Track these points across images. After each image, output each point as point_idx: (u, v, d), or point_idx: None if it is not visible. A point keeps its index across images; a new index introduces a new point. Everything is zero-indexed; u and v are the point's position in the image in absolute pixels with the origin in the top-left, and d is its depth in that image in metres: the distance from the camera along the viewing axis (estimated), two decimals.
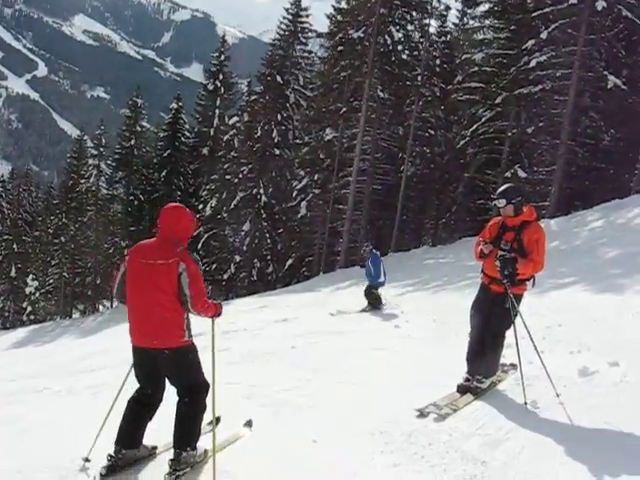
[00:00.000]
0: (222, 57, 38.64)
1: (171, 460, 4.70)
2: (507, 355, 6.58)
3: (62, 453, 5.50)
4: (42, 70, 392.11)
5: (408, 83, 29.17)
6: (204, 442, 4.99)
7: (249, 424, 5.71)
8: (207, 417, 5.02)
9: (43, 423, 7.04)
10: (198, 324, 5.06)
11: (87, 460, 5.06)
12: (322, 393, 6.71)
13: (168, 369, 4.85)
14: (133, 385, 5.12)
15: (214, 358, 4.99)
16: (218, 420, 5.38)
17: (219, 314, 5.00)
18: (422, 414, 5.57)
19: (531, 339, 5.94)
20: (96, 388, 8.64)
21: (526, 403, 5.67)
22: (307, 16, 34.46)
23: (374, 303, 14.50)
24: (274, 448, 5.19)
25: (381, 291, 14.51)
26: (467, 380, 6.17)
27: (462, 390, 6.10)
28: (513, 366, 6.66)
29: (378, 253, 15.03)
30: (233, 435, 5.48)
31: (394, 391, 6.48)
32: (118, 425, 4.90)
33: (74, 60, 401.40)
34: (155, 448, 5.17)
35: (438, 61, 30.36)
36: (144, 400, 4.98)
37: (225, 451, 5.19)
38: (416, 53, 29.97)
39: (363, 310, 14.38)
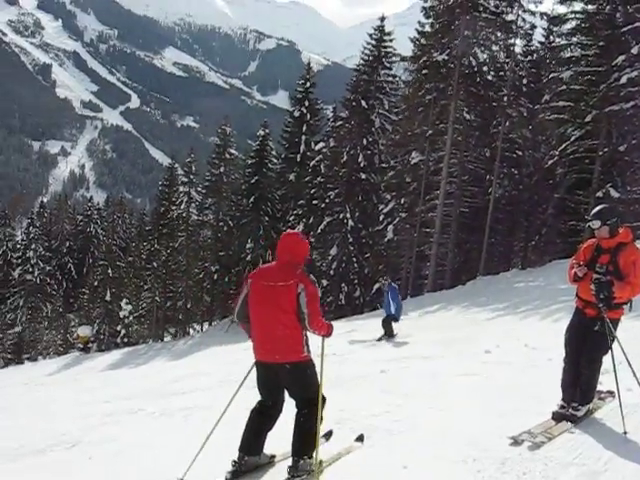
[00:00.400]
0: (307, 84, 39.13)
1: (289, 467, 5.13)
2: (604, 382, 6.39)
3: (156, 475, 5.67)
4: (135, 102, 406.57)
5: (494, 104, 28.85)
6: (320, 453, 5.17)
7: (361, 439, 5.96)
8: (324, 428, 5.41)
9: (138, 444, 7.25)
10: None
11: None
12: (412, 419, 6.66)
13: (288, 382, 5.24)
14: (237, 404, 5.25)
15: (322, 374, 5.36)
16: (330, 434, 5.95)
17: (330, 334, 5.39)
18: (516, 442, 5.46)
19: (629, 365, 5.76)
20: (188, 410, 8.84)
21: (625, 432, 5.49)
22: (391, 40, 34.57)
23: (388, 333, 15.07)
24: (364, 472, 5.20)
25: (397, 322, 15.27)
26: (562, 407, 6.02)
27: (557, 418, 5.95)
28: (610, 393, 6.47)
29: (396, 287, 15.88)
30: (345, 449, 5.76)
31: (486, 418, 6.38)
32: (241, 434, 5.36)
33: (165, 91, 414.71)
34: (274, 457, 5.60)
35: (524, 81, 29.89)
36: (265, 411, 5.41)
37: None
38: (502, 73, 29.60)
39: (379, 339, 14.83)
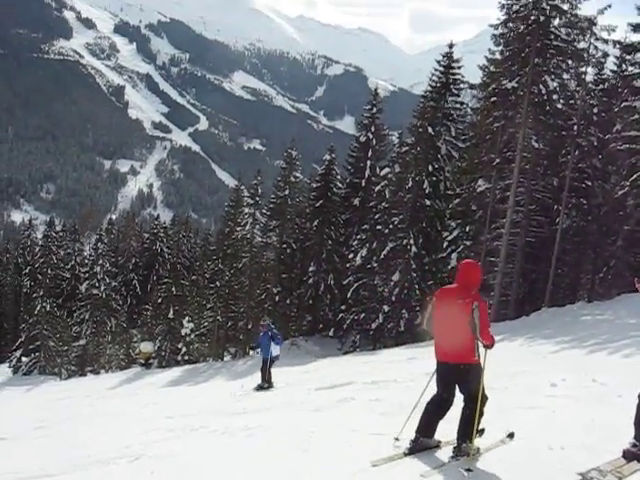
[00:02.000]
0: (374, 109, 39.25)
1: (454, 448, 6.38)
2: None
3: None
4: (203, 124, 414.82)
5: (564, 133, 28.39)
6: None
7: (511, 436, 6.80)
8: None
9: (199, 461, 7.33)
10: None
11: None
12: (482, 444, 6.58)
13: (461, 379, 6.48)
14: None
15: (483, 377, 6.44)
16: (483, 431, 6.82)
17: (493, 344, 6.42)
18: (584, 479, 5.32)
19: None
20: (251, 430, 8.89)
21: None
22: (459, 67, 34.42)
23: (267, 379, 16.22)
24: None
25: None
26: (634, 446, 5.81)
27: (628, 457, 5.74)
28: None
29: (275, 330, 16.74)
30: (500, 440, 6.76)
31: (552, 453, 6.24)
32: (419, 418, 6.65)
33: (233, 114, 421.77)
34: (440, 442, 6.79)
35: (595, 109, 29.29)
36: (440, 402, 6.64)
37: None
38: (572, 102, 29.12)
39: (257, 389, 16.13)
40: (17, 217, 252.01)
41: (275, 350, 16.51)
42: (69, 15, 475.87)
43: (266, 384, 16.08)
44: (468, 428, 6.28)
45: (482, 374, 6.40)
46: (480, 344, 6.34)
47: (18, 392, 40.71)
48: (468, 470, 5.85)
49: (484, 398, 6.41)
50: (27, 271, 64.45)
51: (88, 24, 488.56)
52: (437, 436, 6.75)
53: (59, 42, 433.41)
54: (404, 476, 5.94)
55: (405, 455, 6.44)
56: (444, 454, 6.48)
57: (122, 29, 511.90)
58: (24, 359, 50.61)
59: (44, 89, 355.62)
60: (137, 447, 8.61)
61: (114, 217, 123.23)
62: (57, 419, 14.95)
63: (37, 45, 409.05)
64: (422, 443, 6.59)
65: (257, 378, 23.81)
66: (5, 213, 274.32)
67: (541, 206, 29.70)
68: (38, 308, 49.94)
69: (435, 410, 6.65)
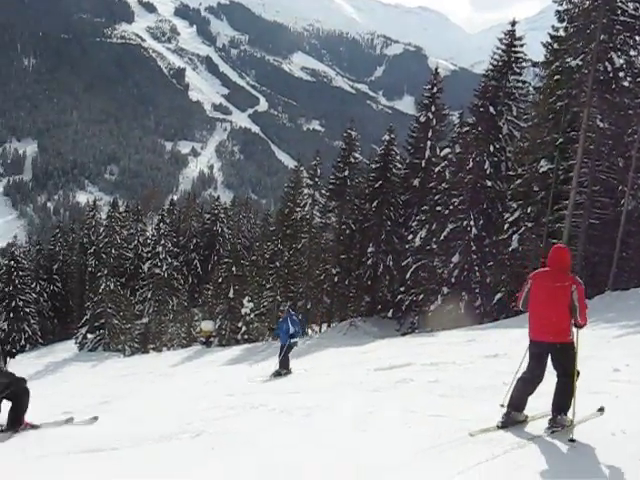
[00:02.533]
0: (434, 89, 38.79)
1: (550, 420, 6.72)
2: None
3: (274, 469, 5.80)
4: (263, 105, 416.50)
5: (630, 112, 27.57)
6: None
7: (602, 409, 7.07)
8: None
9: (258, 439, 7.43)
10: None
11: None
12: (539, 432, 6.51)
13: (556, 357, 6.80)
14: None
15: (577, 354, 6.79)
16: (603, 409, 7.10)
17: (586, 324, 6.86)
18: None
19: None
20: (309, 409, 8.97)
21: None
22: (521, 45, 33.65)
23: (284, 365, 15.97)
24: None
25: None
26: None
27: None
28: None
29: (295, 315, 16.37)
30: (591, 414, 7.00)
31: (614, 439, 6.14)
32: (510, 394, 7.02)
33: (292, 95, 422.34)
34: (527, 417, 7.10)
35: None
36: (532, 379, 6.93)
37: None
38: (639, 80, 28.31)
39: (275, 374, 15.79)
40: (82, 198, 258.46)
41: (294, 337, 16.33)
42: None
43: (284, 370, 15.98)
44: (564, 401, 6.69)
45: (576, 352, 6.80)
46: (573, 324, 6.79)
47: (84, 368, 41.91)
48: (571, 441, 6.15)
49: (577, 374, 6.75)
50: (92, 251, 65.95)
51: (149, 8, 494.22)
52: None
53: (121, 26, 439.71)
54: (500, 448, 6.01)
55: (498, 428, 6.77)
56: (534, 427, 6.80)
57: (182, 12, 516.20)
58: (89, 336, 51.97)
59: (107, 73, 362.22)
60: (198, 424, 8.77)
61: (175, 198, 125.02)
62: (120, 395, 15.34)
63: (100, 30, 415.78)
64: (513, 417, 6.95)
65: (315, 358, 24.02)
66: (71, 194, 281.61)
67: (605, 187, 28.91)
68: (102, 287, 51.14)
69: (526, 386, 6.98)
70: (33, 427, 9.64)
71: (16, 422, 9.45)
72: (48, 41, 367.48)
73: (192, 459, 6.82)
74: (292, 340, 16.26)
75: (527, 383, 6.99)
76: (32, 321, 60.12)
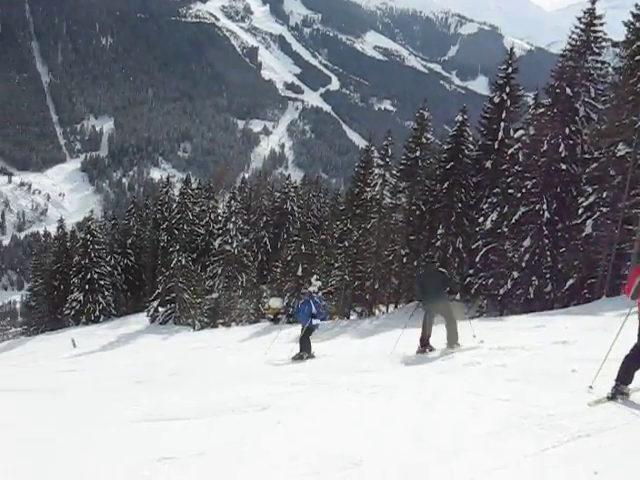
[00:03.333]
0: (509, 69, 37.94)
1: None
2: None
3: (339, 446, 5.88)
4: (335, 84, 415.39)
5: None
6: None
7: None
8: None
9: (324, 415, 7.54)
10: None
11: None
12: (606, 422, 6.41)
13: None
14: None
15: None
16: None
17: None
18: None
19: None
20: (375, 388, 9.03)
21: None
22: (601, 24, 32.51)
23: (306, 349, 15.82)
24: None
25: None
26: None
27: None
28: None
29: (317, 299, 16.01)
30: None
31: None
32: (619, 367, 7.45)
33: (364, 74, 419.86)
34: (630, 389, 7.50)
35: None
36: (637, 355, 7.34)
37: None
38: None
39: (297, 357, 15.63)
40: (156, 175, 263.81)
41: (315, 319, 15.98)
42: None
43: (305, 354, 15.76)
44: None
45: None
46: None
47: (154, 340, 43.01)
48: None
49: None
50: (164, 226, 67.22)
51: None
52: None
53: (196, 5, 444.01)
54: (566, 435, 5.96)
55: (608, 399, 7.22)
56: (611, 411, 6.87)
57: None
58: (161, 309, 53.19)
59: (182, 51, 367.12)
60: (265, 398, 8.94)
61: (247, 176, 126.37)
62: (190, 367, 15.69)
63: (175, 9, 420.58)
64: (620, 389, 7.38)
65: (383, 338, 24.06)
66: (145, 170, 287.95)
67: None
68: (174, 262, 52.17)
69: (631, 361, 7.40)
70: None
71: None
72: (125, 20, 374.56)
73: (258, 432, 6.97)
74: (313, 322, 15.91)
75: (632, 359, 7.40)
76: (106, 293, 61.89)
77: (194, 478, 5.47)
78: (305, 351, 15.78)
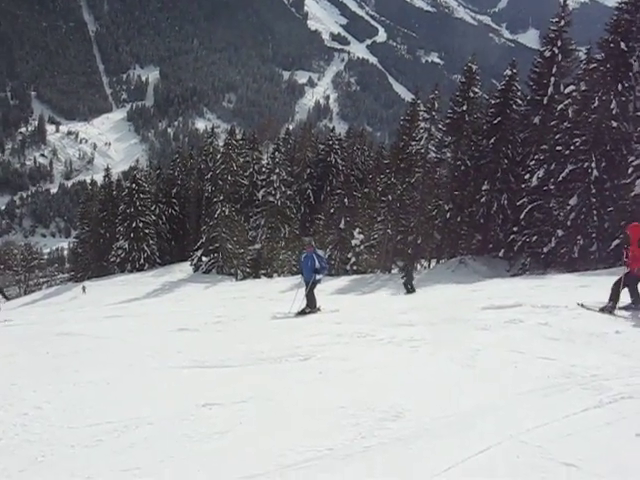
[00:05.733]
0: (561, 22, 36.91)
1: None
2: None
3: (381, 397, 5.97)
4: (382, 36, 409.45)
5: None
6: None
7: None
8: None
9: (366, 366, 7.63)
10: None
11: None
12: None
13: None
14: None
15: None
16: None
17: None
18: None
19: None
20: (416, 342, 9.11)
21: None
22: None
23: (312, 305, 15.63)
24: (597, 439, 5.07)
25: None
26: None
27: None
28: None
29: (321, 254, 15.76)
30: None
31: None
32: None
33: (412, 26, 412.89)
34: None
35: None
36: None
37: None
38: None
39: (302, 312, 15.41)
40: (201, 125, 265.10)
41: (319, 274, 15.80)
42: None
43: (308, 309, 15.57)
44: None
45: None
46: None
47: (198, 289, 43.65)
48: None
49: None
50: (209, 177, 67.57)
51: None
52: None
53: None
54: (608, 395, 5.95)
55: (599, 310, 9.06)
56: None
57: None
58: (204, 259, 53.88)
59: (227, 1, 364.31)
60: (307, 348, 9.06)
61: (291, 127, 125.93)
62: (233, 316, 15.90)
63: None
64: (609, 306, 9.66)
65: (424, 293, 24.11)
66: (190, 121, 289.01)
67: None
68: (218, 212, 52.57)
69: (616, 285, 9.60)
70: None
71: None
72: None
73: (301, 381, 7.09)
74: (317, 276, 15.77)
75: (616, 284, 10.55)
76: (151, 242, 62.81)
77: (238, 423, 5.61)
78: (311, 306, 15.73)
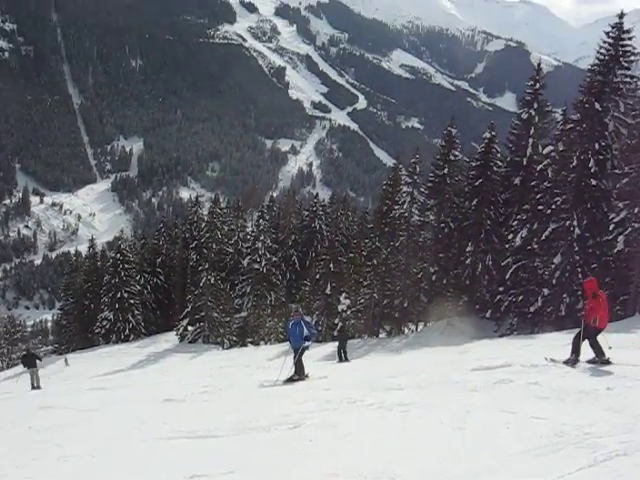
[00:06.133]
0: (537, 85, 37.69)
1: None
2: None
3: (373, 462, 5.85)
4: (362, 103, 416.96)
5: None
6: None
7: None
8: None
9: (356, 432, 7.52)
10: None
11: None
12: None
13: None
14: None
15: None
16: None
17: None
18: None
19: None
20: (406, 406, 9.00)
21: None
22: (630, 39, 32.21)
23: (300, 372, 15.44)
24: None
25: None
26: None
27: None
28: None
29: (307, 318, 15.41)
30: None
31: None
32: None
33: (391, 93, 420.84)
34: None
35: None
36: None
37: None
38: None
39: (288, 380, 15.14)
40: (185, 194, 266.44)
41: (308, 339, 15.72)
42: (233, 0, 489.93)
43: (297, 376, 15.48)
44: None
45: None
46: None
47: (183, 359, 43.16)
48: None
49: None
50: (193, 245, 67.54)
51: (250, 8, 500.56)
52: None
53: (223, 27, 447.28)
54: (603, 454, 5.81)
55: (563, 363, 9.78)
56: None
57: (283, 11, 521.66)
58: (190, 328, 53.40)
59: (210, 72, 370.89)
60: (296, 416, 8.93)
61: (275, 195, 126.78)
62: (219, 385, 15.70)
63: (203, 31, 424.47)
64: (572, 359, 10.95)
65: (412, 357, 23.93)
66: (174, 190, 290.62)
67: None
68: (203, 280, 52.36)
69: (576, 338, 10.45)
70: None
71: None
72: (154, 43, 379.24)
73: (292, 449, 6.95)
74: (306, 343, 15.75)
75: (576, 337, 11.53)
76: (136, 312, 62.21)
77: None
78: (299, 373, 15.56)
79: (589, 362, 11.61)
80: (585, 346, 11.63)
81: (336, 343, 33.05)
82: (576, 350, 11.89)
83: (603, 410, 7.70)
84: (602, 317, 11.89)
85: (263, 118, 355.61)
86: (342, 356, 24.35)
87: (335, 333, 33.56)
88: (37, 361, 27.66)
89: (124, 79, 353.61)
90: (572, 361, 11.66)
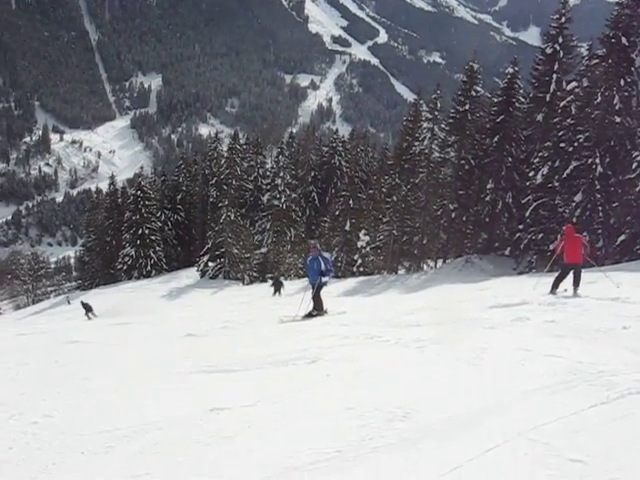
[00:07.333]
0: (562, 19, 36.85)
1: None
2: None
3: (388, 398, 5.98)
4: (383, 37, 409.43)
5: None
6: None
7: None
8: None
9: (373, 368, 7.64)
10: None
11: None
12: None
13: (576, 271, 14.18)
14: None
15: None
16: None
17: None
18: None
19: None
20: (423, 342, 9.11)
21: None
22: None
23: (318, 307, 15.52)
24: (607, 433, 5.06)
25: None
26: None
27: None
28: None
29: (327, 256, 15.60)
30: None
31: None
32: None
33: (413, 27, 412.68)
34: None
35: None
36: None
37: None
38: None
39: (307, 316, 15.34)
40: (204, 130, 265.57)
41: (325, 277, 15.54)
42: None
43: (315, 311, 15.47)
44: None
45: None
46: None
47: (204, 294, 43.71)
48: None
49: None
50: (213, 182, 67.68)
51: None
52: None
53: None
54: (616, 391, 5.90)
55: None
56: None
57: None
58: (210, 264, 53.93)
59: (228, 6, 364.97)
60: (314, 351, 9.07)
61: (294, 131, 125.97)
62: (240, 320, 15.92)
63: None
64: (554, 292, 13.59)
65: (430, 293, 24.08)
66: (193, 127, 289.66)
67: None
68: (223, 217, 52.63)
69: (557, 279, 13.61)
70: None
71: None
72: None
73: (310, 383, 7.10)
74: (323, 279, 15.55)
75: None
76: (157, 248, 62.86)
77: (246, 427, 5.62)
78: (318, 308, 15.62)
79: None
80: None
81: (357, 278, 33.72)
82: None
83: (619, 349, 7.75)
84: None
85: (282, 53, 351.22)
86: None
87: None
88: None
89: (141, 14, 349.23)
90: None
